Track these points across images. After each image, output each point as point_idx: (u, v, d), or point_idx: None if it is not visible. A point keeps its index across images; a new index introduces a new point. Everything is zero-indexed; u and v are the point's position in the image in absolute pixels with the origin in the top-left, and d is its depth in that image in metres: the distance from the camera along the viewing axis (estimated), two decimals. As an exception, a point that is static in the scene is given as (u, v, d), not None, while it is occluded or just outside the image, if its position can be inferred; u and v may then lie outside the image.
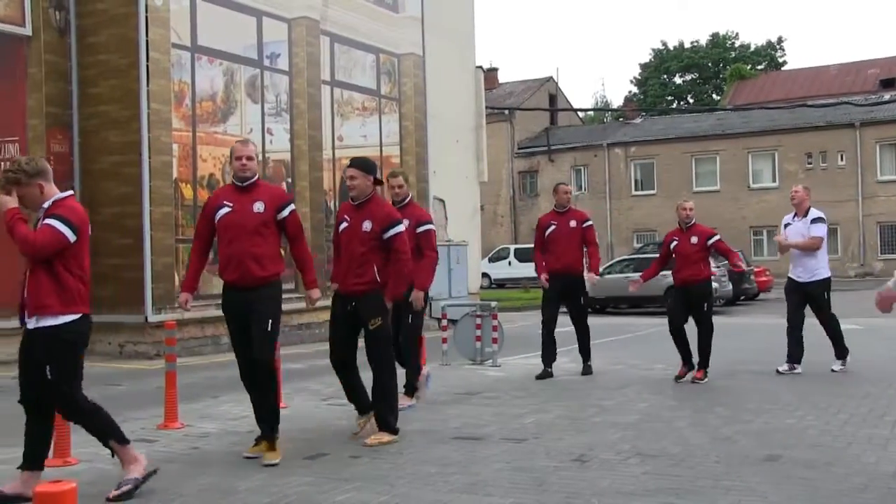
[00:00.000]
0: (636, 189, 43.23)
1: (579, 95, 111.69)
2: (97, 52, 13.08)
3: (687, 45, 66.43)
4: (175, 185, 13.07)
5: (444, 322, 11.70)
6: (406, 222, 6.95)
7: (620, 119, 50.12)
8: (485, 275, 31.68)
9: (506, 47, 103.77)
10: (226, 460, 5.96)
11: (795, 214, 10.01)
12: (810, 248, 9.71)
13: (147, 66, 12.61)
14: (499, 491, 5.04)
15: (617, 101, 69.64)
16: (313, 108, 15.81)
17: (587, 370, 9.96)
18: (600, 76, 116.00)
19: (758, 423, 6.91)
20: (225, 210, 6.06)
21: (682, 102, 65.87)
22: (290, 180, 15.34)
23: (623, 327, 16.83)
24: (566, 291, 9.86)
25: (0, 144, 12.34)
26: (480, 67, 23.20)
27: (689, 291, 9.47)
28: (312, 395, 8.88)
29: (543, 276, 9.84)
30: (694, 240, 9.45)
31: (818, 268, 9.80)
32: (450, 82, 19.81)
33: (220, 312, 14.24)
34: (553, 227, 9.93)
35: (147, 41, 12.65)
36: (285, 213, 6.06)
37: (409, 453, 6.07)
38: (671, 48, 67.09)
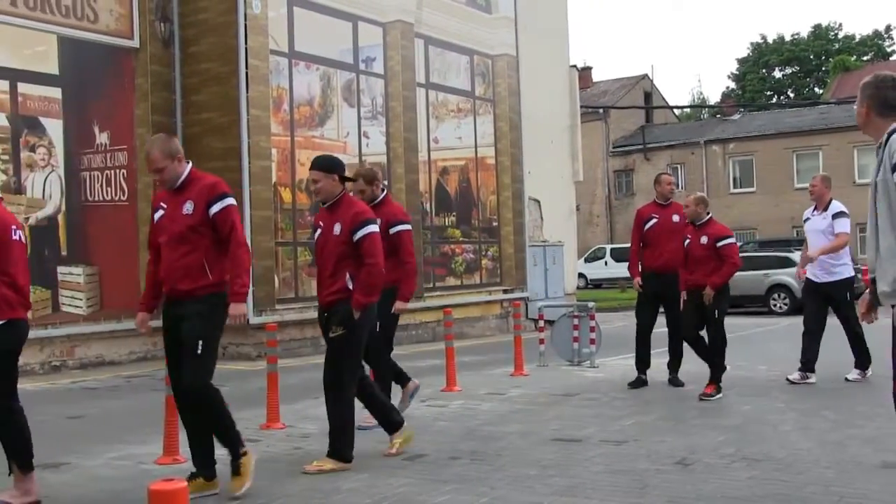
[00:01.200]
0: (734, 187, 42.26)
1: (675, 93, 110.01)
2: (199, 61, 13.44)
3: (787, 38, 64.71)
4: (274, 190, 13.33)
5: (541, 323, 11.63)
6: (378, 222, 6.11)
7: (718, 116, 49.10)
8: (581, 275, 31.44)
9: (600, 46, 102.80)
10: (327, 460, 6.02)
11: (815, 208, 9.32)
12: (839, 249, 8.89)
13: (246, 74, 12.90)
14: (599, 494, 4.98)
15: (714, 98, 68.28)
16: (408, 111, 15.92)
17: (676, 382, 9.17)
18: (696, 73, 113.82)
19: (870, 429, 6.64)
20: (159, 213, 5.36)
21: (782, 97, 64.16)
22: (385, 183, 15.47)
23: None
24: (664, 292, 9.09)
25: (110, 153, 12.77)
26: (574, 66, 23.03)
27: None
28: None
29: (637, 280, 9.23)
30: (704, 240, 8.57)
31: (838, 266, 9.03)
32: (544, 82, 19.71)
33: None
34: (654, 221, 9.25)
35: (246, 49, 12.93)
36: (215, 208, 5.16)
37: (508, 455, 6.05)
38: (770, 41, 65.44)
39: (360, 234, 5.76)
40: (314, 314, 13.60)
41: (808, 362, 9.01)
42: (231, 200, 5.26)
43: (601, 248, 39.33)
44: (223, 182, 5.41)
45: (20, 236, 5.04)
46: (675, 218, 9.19)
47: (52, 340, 11.79)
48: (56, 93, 12.18)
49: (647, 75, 48.91)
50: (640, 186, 42.83)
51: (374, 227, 5.86)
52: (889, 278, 3.93)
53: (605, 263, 37.57)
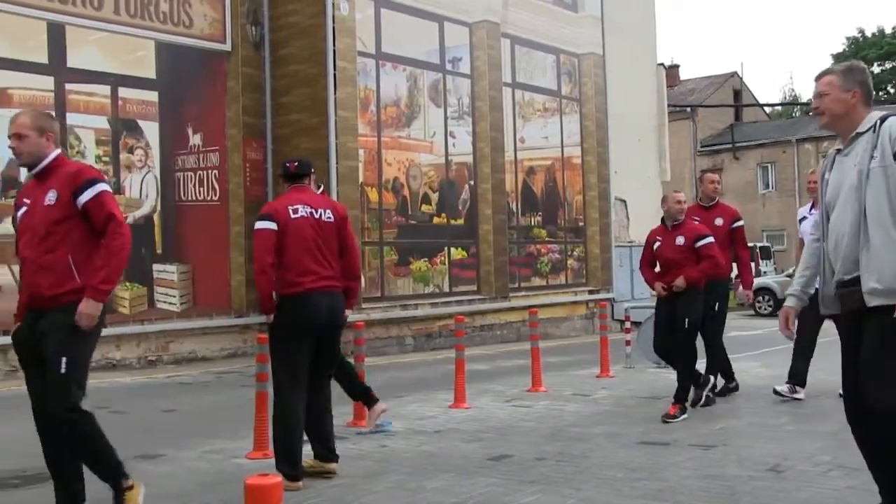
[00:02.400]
0: (829, 186, 41.11)
1: (765, 90, 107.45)
2: (288, 63, 13.68)
3: (888, 31, 62.64)
4: (361, 190, 13.48)
5: (628, 324, 11.51)
6: None
7: (810, 113, 47.80)
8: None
9: (687, 43, 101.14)
10: (413, 459, 6.07)
11: (812, 206, 8.18)
12: None
13: (335, 75, 13.08)
14: (688, 499, 4.90)
15: (807, 95, 66.50)
16: (495, 111, 15.93)
17: (721, 390, 8.47)
18: (788, 69, 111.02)
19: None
20: (23, 209, 4.54)
21: (880, 93, 62.17)
22: (472, 183, 15.52)
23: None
24: (709, 300, 8.19)
25: (203, 154, 13.10)
26: (662, 65, 22.73)
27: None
28: (496, 396, 8.93)
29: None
30: (680, 240, 7.70)
31: None
32: (631, 81, 19.51)
33: (404, 314, 14.65)
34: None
35: (334, 51, 13.12)
36: (84, 197, 4.39)
37: (594, 457, 6.00)
38: (869, 35, 63.45)
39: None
40: (400, 313, 13.84)
41: (796, 374, 8.28)
42: (103, 186, 4.48)
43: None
44: (90, 168, 4.86)
45: None
46: (719, 221, 8.50)
47: (148, 336, 12.15)
48: (153, 96, 12.55)
49: (736, 73, 47.91)
50: (728, 186, 41.96)
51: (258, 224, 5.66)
52: (883, 274, 3.67)
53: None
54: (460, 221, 15.31)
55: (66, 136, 11.62)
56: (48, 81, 11.46)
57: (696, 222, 8.27)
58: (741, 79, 47.93)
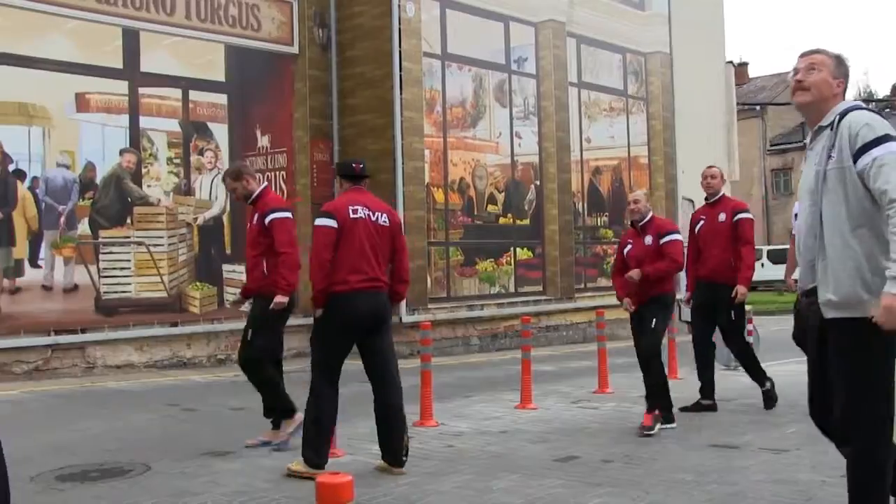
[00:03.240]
0: (905, 185, 40.04)
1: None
2: (354, 64, 13.79)
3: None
4: (427, 190, 13.53)
5: (696, 326, 11.34)
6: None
7: (887, 109, 46.62)
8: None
9: (757, 40, 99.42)
10: (480, 459, 6.07)
11: None
12: None
13: (400, 76, 13.15)
14: (761, 503, 4.82)
15: (883, 91, 64.88)
16: (561, 111, 15.86)
17: (768, 400, 7.98)
18: (863, 66, 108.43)
19: None
20: None
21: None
22: (538, 183, 15.47)
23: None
24: (715, 305, 7.88)
25: (271, 155, 13.28)
26: (730, 62, 22.39)
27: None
28: (563, 397, 8.89)
29: (686, 295, 8.18)
30: (648, 240, 7.32)
31: None
32: (698, 79, 19.25)
33: (470, 314, 14.65)
34: (701, 223, 8.11)
35: (400, 52, 13.19)
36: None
37: (663, 459, 5.94)
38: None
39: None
40: (466, 313, 13.86)
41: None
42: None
43: (758, 250, 37.82)
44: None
45: None
46: (722, 216, 7.92)
47: (218, 335, 12.35)
48: (222, 99, 12.76)
49: (808, 69, 46.91)
50: (798, 186, 41.17)
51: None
52: (838, 285, 3.43)
53: (762, 265, 36.25)
54: (526, 222, 15.27)
55: (140, 138, 11.87)
56: (123, 86, 11.73)
57: (702, 221, 8.04)
58: (813, 76, 46.90)
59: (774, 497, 4.93)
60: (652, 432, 6.78)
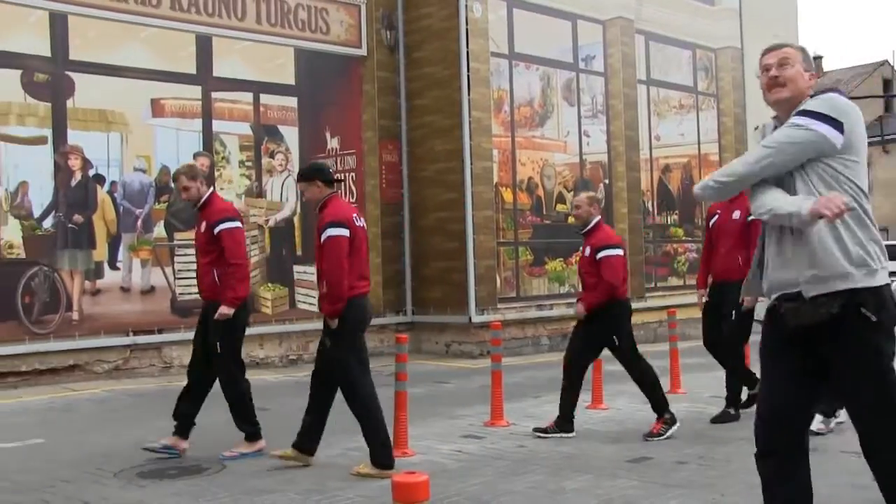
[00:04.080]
0: None
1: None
2: (422, 65, 13.85)
3: None
4: (496, 190, 13.52)
5: (770, 325, 11.13)
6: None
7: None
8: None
9: (832, 32, 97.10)
10: (551, 460, 6.06)
11: None
12: None
13: (468, 76, 13.16)
14: (840, 508, 4.72)
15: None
16: (629, 109, 15.72)
17: (723, 416, 7.51)
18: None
19: None
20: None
21: None
22: (606, 181, 15.35)
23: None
24: (721, 306, 7.40)
25: (340, 157, 13.42)
26: (805, 56, 21.87)
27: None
28: (634, 397, 8.77)
29: (700, 292, 7.78)
30: (587, 251, 6.97)
31: None
32: (771, 74, 18.84)
33: (540, 314, 14.57)
34: (715, 218, 7.62)
35: (468, 52, 13.20)
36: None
37: (737, 460, 5.84)
38: None
39: (322, 236, 5.76)
40: (536, 313, 13.81)
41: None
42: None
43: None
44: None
45: None
46: (736, 214, 7.36)
47: (290, 335, 12.51)
48: (292, 102, 12.93)
49: (886, 61, 45.71)
50: (878, 181, 40.13)
51: (333, 231, 5.70)
52: (815, 261, 3.21)
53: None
54: (595, 221, 15.14)
55: (212, 142, 12.10)
56: (196, 91, 11.96)
57: (717, 216, 7.54)
58: (893, 67, 45.70)
59: (855, 502, 4.82)
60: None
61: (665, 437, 6.67)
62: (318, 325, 13.18)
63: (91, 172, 11.09)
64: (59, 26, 10.87)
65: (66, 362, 10.67)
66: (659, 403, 6.88)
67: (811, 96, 3.45)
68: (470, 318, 12.98)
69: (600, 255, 6.81)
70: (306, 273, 12.78)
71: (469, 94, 13.17)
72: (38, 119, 10.72)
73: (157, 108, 11.63)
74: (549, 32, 14.65)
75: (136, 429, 7.25)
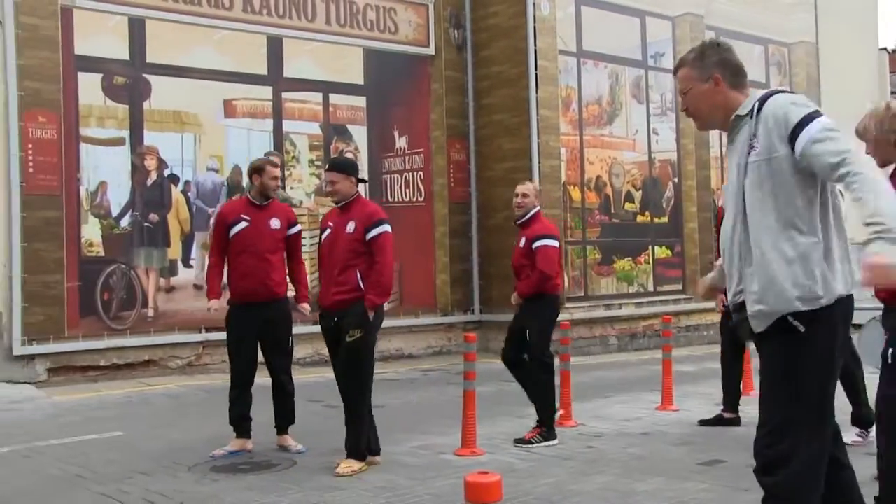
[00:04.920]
0: None
1: None
2: (490, 64, 13.85)
3: None
4: (564, 189, 13.46)
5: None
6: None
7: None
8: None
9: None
10: (621, 461, 6.02)
11: None
12: None
13: (536, 75, 13.13)
14: (920, 515, 4.60)
15: None
16: (699, 106, 15.49)
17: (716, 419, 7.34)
18: None
19: None
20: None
21: None
22: (676, 180, 15.18)
23: None
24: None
25: (408, 156, 13.49)
26: (884, 49, 21.36)
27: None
28: (704, 398, 8.69)
29: (720, 297, 7.30)
30: (522, 242, 6.91)
31: None
32: (848, 69, 18.45)
33: (608, 313, 14.45)
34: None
35: (535, 50, 13.16)
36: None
37: (812, 466, 5.73)
38: None
39: (373, 232, 5.83)
40: (604, 312, 13.72)
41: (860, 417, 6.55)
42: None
43: None
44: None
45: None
46: None
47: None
48: (361, 101, 13.05)
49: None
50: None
51: (388, 227, 5.90)
52: (765, 294, 3.04)
53: None
54: (664, 219, 15.01)
55: (283, 142, 12.27)
56: (267, 91, 12.15)
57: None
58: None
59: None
60: None
61: (535, 446, 6.50)
62: (386, 323, 13.25)
63: (166, 172, 11.34)
64: (136, 30, 11.14)
65: (141, 357, 10.93)
66: (545, 412, 6.72)
67: (763, 99, 3.17)
68: (537, 317, 12.91)
69: (536, 244, 6.74)
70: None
71: (537, 93, 13.14)
72: (117, 121, 11.00)
73: (229, 108, 11.84)
74: (618, 29, 14.53)
75: (208, 424, 7.39)
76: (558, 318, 7.24)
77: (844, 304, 3.08)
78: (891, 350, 4.13)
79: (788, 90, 3.25)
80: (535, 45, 13.18)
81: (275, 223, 6.51)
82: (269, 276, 6.44)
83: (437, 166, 13.70)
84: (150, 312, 11.08)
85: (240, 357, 6.51)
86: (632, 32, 14.75)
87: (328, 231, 6.02)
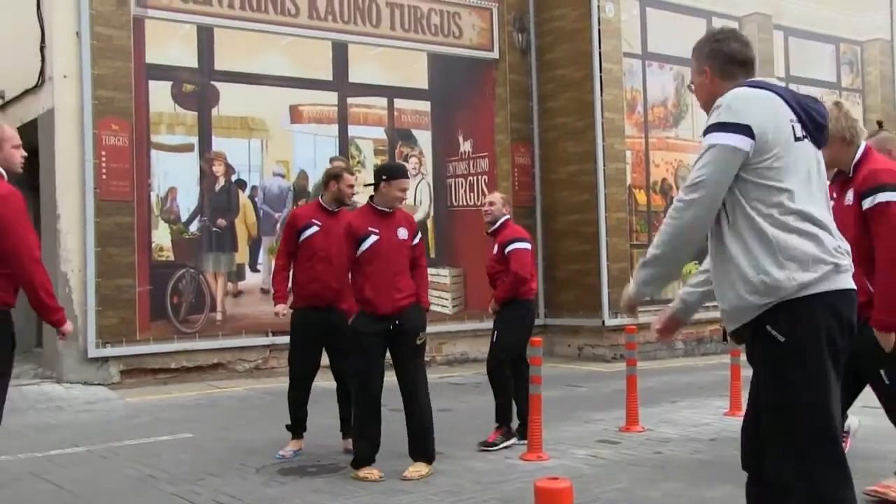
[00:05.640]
0: None
1: None
2: (554, 67, 13.80)
3: None
4: (629, 192, 13.35)
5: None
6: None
7: None
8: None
9: None
10: (689, 467, 5.95)
11: None
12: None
13: (601, 77, 13.04)
14: None
15: None
16: (767, 107, 15.24)
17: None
18: None
19: None
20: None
21: None
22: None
23: None
24: None
25: (472, 160, 13.51)
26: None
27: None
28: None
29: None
30: (496, 249, 6.95)
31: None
32: (923, 66, 17.97)
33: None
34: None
35: (600, 53, 13.08)
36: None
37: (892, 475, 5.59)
38: None
39: (416, 239, 6.16)
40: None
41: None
42: None
43: None
44: None
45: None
46: (849, 197, 6.11)
47: (423, 337, 12.66)
48: (426, 106, 13.10)
49: None
50: None
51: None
52: (724, 294, 3.01)
53: None
54: (732, 222, 14.77)
55: (348, 147, 12.38)
56: (333, 97, 12.27)
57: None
58: None
59: None
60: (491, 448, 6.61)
61: (499, 447, 6.59)
62: (451, 327, 13.33)
63: (233, 178, 11.51)
64: (205, 38, 11.34)
65: (210, 360, 11.12)
66: (504, 413, 6.76)
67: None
68: (603, 322, 12.85)
69: (509, 248, 6.79)
70: (439, 275, 12.93)
71: (601, 96, 13.06)
72: (186, 127, 11.21)
73: (295, 114, 11.99)
74: (683, 31, 14.33)
75: (275, 427, 7.47)
76: (534, 325, 7.31)
77: (828, 300, 2.91)
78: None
79: (753, 85, 3.07)
80: (600, 47, 13.09)
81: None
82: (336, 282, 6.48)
83: (501, 170, 13.68)
84: (219, 316, 11.26)
85: (303, 360, 6.59)
86: (697, 34, 14.40)
87: (376, 237, 5.97)
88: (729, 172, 2.90)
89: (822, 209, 3.00)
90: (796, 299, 2.88)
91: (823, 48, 16.40)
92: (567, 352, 13.38)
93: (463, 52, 13.43)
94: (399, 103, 12.85)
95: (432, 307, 12.69)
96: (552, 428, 7.10)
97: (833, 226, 3.00)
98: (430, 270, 12.86)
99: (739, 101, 2.96)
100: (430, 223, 13.07)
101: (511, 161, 13.76)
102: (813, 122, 3.03)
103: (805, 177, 2.97)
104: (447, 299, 13.06)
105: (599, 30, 13.10)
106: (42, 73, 10.96)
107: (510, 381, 6.82)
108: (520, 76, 13.96)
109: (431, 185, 13.13)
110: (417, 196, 12.97)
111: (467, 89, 13.50)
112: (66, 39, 10.53)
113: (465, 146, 13.46)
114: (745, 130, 2.89)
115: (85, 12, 10.45)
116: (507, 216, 7.06)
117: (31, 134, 11.52)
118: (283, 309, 6.70)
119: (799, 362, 2.89)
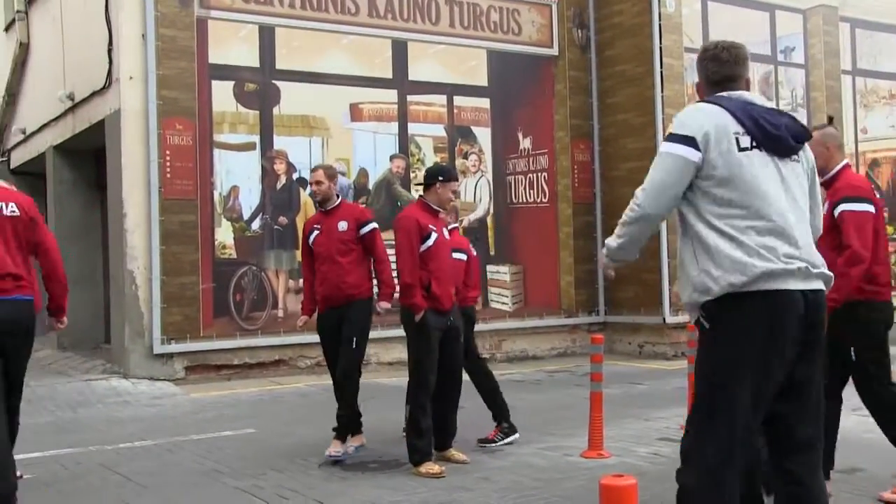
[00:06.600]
0: None
1: None
2: (614, 63, 13.69)
3: None
4: (690, 189, 13.18)
5: None
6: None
7: None
8: None
9: None
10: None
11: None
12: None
13: (661, 73, 12.90)
14: None
15: None
16: (833, 101, 14.95)
17: None
18: None
19: None
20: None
21: None
22: (809, 178, 14.67)
23: None
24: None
25: (532, 157, 13.47)
26: None
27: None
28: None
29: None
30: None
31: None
32: None
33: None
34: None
35: (661, 48, 12.94)
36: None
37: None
38: None
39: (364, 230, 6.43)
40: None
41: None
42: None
43: None
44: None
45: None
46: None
47: (483, 334, 12.59)
48: (485, 103, 13.10)
49: None
50: None
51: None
52: (682, 289, 3.35)
53: None
54: (796, 219, 14.51)
55: (408, 144, 12.43)
56: (392, 95, 12.33)
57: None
58: None
59: None
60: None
61: (500, 444, 6.64)
62: (512, 324, 13.31)
63: (295, 176, 11.64)
64: (266, 38, 11.48)
65: (272, 357, 11.26)
66: (500, 410, 6.81)
67: None
68: (664, 319, 12.72)
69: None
70: (499, 272, 12.93)
71: (662, 92, 12.91)
72: (248, 126, 11.36)
73: (355, 112, 12.07)
74: (746, 25, 14.14)
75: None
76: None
77: (761, 299, 3.12)
78: None
79: (709, 100, 3.34)
80: (661, 43, 12.95)
81: (342, 226, 6.43)
82: (343, 280, 6.41)
83: (561, 167, 13.62)
84: (280, 313, 11.39)
85: (331, 362, 6.60)
86: (761, 27, 14.34)
87: (436, 235, 6.06)
88: (675, 177, 3.20)
89: (781, 214, 3.16)
90: (726, 296, 3.14)
91: (893, 39, 16.02)
92: (627, 349, 13.27)
93: (522, 48, 13.39)
94: (458, 100, 12.86)
95: (492, 304, 12.84)
96: (613, 426, 7.06)
97: (797, 230, 3.17)
98: (490, 267, 12.94)
99: (686, 115, 3.28)
100: (489, 220, 13.06)
101: (571, 158, 13.68)
102: (763, 133, 3.19)
103: (753, 186, 3.15)
104: (507, 296, 13.05)
105: (660, 25, 12.96)
106: (109, 74, 11.20)
107: (490, 374, 6.99)
108: (579, 72, 13.87)
109: (491, 182, 13.13)
110: (477, 193, 12.98)
111: (527, 86, 13.46)
112: (132, 41, 10.74)
113: (525, 143, 13.42)
114: (690, 142, 3.18)
115: (150, 14, 10.65)
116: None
117: (98, 134, 11.80)
118: (301, 321, 6.73)
119: (716, 348, 3.20)
